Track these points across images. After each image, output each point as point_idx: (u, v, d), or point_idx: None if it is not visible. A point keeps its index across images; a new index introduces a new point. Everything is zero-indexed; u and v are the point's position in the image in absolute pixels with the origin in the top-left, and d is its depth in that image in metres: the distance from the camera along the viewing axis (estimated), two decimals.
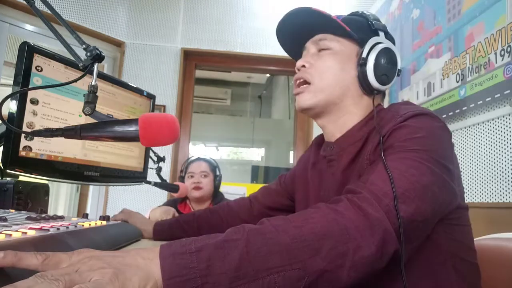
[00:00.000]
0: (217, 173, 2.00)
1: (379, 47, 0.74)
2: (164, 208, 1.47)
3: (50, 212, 0.86)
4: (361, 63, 0.74)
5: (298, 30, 0.81)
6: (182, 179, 1.99)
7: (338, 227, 0.48)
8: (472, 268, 0.68)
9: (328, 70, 0.76)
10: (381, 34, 0.78)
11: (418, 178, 0.56)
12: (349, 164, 0.73)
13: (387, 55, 0.75)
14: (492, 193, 1.33)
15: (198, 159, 2.03)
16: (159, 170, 1.24)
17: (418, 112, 0.66)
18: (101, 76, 0.99)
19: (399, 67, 0.77)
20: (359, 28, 0.77)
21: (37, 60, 0.81)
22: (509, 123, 1.27)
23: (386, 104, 0.80)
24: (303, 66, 0.78)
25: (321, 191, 0.80)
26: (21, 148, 0.78)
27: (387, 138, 0.64)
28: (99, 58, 0.60)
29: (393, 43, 0.80)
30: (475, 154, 1.43)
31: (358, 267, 0.48)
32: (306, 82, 0.78)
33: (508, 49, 1.27)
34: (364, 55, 0.74)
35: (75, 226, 0.59)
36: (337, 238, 0.47)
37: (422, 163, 0.58)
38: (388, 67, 0.74)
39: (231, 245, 0.44)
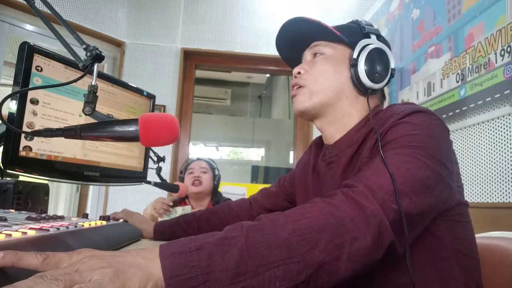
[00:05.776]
0: (216, 172, 2.03)
1: (369, 48, 0.77)
2: (152, 204, 1.64)
3: (50, 212, 0.86)
4: (353, 64, 0.77)
5: (294, 40, 0.84)
6: (181, 179, 2.00)
7: (334, 220, 0.49)
8: (475, 264, 0.68)
9: (322, 74, 0.79)
10: (373, 37, 0.80)
11: (413, 172, 0.57)
12: (347, 165, 0.74)
13: (378, 55, 0.77)
14: (492, 193, 1.33)
15: (198, 158, 2.08)
16: (159, 170, 1.24)
17: (416, 109, 0.67)
18: (101, 76, 0.99)
19: (392, 66, 0.78)
20: (351, 33, 0.80)
21: (37, 60, 0.81)
22: (509, 123, 1.27)
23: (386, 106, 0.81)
24: (299, 72, 0.81)
25: (321, 194, 0.81)
26: (21, 148, 0.78)
27: (385, 134, 0.65)
28: (99, 58, 0.60)
29: (388, 46, 0.82)
30: (475, 154, 1.43)
31: (355, 259, 0.49)
32: (301, 87, 0.81)
33: (508, 49, 1.27)
34: (354, 56, 0.76)
35: (75, 226, 0.59)
36: (334, 230, 0.48)
37: (418, 158, 0.59)
38: (379, 66, 0.76)
39: (230, 242, 0.44)
